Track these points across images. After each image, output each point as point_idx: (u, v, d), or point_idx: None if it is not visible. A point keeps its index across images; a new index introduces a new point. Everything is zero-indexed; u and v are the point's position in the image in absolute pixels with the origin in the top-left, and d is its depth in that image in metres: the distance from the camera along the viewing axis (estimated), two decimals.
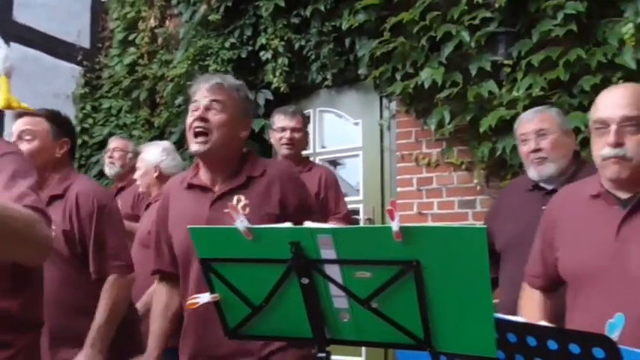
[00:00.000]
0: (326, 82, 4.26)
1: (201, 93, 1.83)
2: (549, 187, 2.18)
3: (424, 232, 1.13)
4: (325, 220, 2.89)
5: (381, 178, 4.22)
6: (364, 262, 1.17)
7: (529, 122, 2.23)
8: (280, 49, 4.29)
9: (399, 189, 4.05)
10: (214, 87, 1.82)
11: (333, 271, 1.20)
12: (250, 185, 1.83)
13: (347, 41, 4.12)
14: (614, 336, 1.04)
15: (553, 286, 1.72)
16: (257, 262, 1.25)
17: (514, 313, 1.91)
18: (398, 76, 3.85)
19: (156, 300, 1.98)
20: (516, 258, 2.18)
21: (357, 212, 4.26)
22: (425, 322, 1.17)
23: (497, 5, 3.52)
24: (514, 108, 3.37)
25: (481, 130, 3.48)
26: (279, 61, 4.32)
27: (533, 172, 2.20)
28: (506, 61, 3.51)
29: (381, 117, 4.24)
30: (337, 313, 1.24)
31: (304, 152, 4.03)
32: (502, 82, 3.54)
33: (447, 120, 3.65)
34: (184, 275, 1.86)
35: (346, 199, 4.15)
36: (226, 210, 1.25)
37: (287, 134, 3.00)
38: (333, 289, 1.22)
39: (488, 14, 3.53)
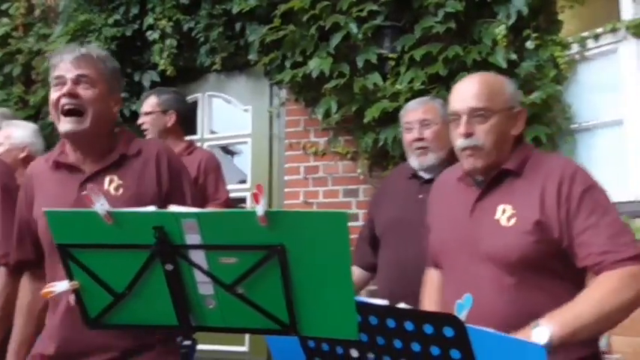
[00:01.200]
0: (215, 66, 4.17)
1: (66, 66, 1.67)
2: (427, 177, 2.26)
3: (288, 217, 1.14)
4: (203, 206, 2.84)
5: (269, 166, 4.21)
6: (229, 247, 1.16)
7: (414, 111, 2.30)
8: (168, 30, 4.15)
9: (286, 177, 4.06)
10: (81, 59, 1.67)
11: (198, 256, 1.18)
12: (124, 165, 1.71)
13: (237, 26, 4.06)
14: (462, 315, 1.10)
15: None
16: (118, 248, 1.20)
17: (392, 297, 1.99)
18: (287, 64, 3.86)
19: (20, 295, 1.83)
20: (393, 244, 2.27)
21: (243, 200, 4.24)
22: (290, 307, 1.18)
23: None
24: (397, 100, 3.49)
25: (365, 120, 3.57)
26: (167, 42, 4.17)
27: (414, 161, 2.27)
28: (391, 55, 3.62)
29: (271, 104, 4.23)
30: (202, 300, 1.22)
31: (193, 137, 3.96)
32: (386, 74, 3.64)
33: (334, 110, 3.71)
34: (52, 266, 1.68)
35: (235, 186, 4.16)
36: (84, 192, 1.18)
37: (141, 118, 2.92)
38: (198, 275, 1.20)
39: (375, 7, 3.62)
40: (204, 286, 1.21)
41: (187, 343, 1.24)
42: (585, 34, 3.43)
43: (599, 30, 3.37)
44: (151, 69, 4.28)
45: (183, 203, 1.30)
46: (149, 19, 4.21)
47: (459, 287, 1.56)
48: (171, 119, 2.90)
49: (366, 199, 3.83)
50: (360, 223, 3.81)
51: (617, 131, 3.33)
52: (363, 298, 1.23)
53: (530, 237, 1.51)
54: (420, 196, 2.21)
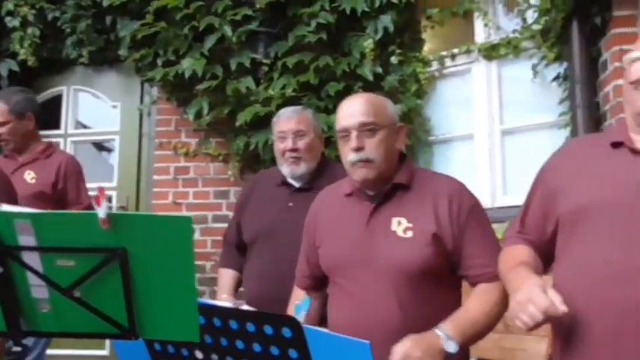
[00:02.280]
0: (82, 59, 3.99)
1: None
2: (297, 185, 2.29)
3: (131, 220, 1.13)
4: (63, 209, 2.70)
5: (137, 165, 4.10)
6: (67, 250, 1.13)
7: (288, 121, 2.30)
8: (30, 18, 3.90)
9: (155, 177, 3.97)
10: None
11: (33, 258, 1.13)
12: None
13: (108, 19, 3.91)
14: (300, 316, 1.16)
15: (318, 285, 1.82)
16: None
17: (260, 305, 2.02)
18: (159, 62, 3.78)
19: None
20: (263, 251, 2.26)
21: (109, 199, 4.09)
22: (130, 310, 1.17)
23: (258, 5, 3.66)
24: (269, 105, 3.55)
25: (237, 123, 3.60)
26: (29, 30, 3.92)
27: (286, 170, 2.28)
28: (264, 60, 3.67)
29: (142, 102, 4.12)
30: (36, 304, 1.17)
31: (55, 131, 3.74)
32: (260, 79, 3.69)
33: (206, 111, 3.70)
34: None
35: (102, 184, 3.97)
36: None
37: None
38: (32, 278, 1.15)
39: (250, 12, 3.65)
40: (39, 290, 1.16)
41: (17, 349, 1.18)
42: (444, 53, 3.70)
43: (456, 50, 3.66)
44: (9, 57, 3.99)
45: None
46: (8, 5, 3.92)
47: (357, 300, 1.62)
48: (30, 122, 2.75)
49: (236, 200, 3.84)
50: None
51: (469, 144, 3.62)
52: (207, 300, 1.25)
53: (429, 248, 1.59)
54: (291, 204, 2.24)
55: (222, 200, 3.89)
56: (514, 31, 3.42)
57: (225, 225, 3.79)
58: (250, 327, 1.22)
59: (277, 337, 1.20)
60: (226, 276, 2.43)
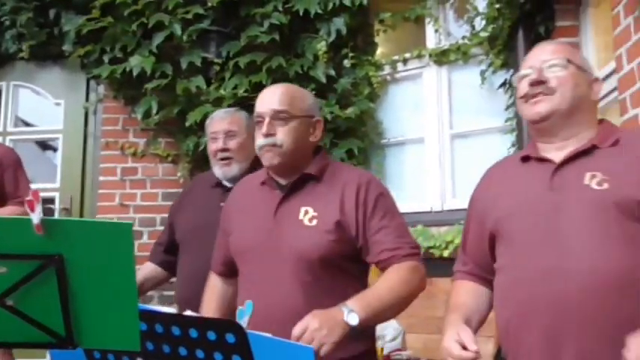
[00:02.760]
0: (22, 54, 3.83)
1: None
2: (230, 185, 2.24)
3: (67, 226, 1.09)
4: (1, 205, 2.62)
5: (82, 166, 3.97)
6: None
7: (220, 122, 2.31)
8: None
9: (101, 178, 3.86)
10: None
11: None
12: None
13: (51, 13, 3.78)
14: (243, 322, 1.14)
15: (233, 272, 1.82)
16: None
17: (190, 305, 1.98)
18: (106, 59, 3.68)
19: None
20: (193, 250, 2.25)
21: (52, 201, 3.94)
22: (67, 319, 1.12)
23: (210, 4, 3.60)
24: (220, 105, 3.48)
25: (187, 124, 3.53)
26: None
27: (218, 171, 2.27)
28: (216, 60, 3.63)
29: (87, 100, 4.00)
30: None
31: None
32: (211, 79, 3.64)
33: (155, 110, 3.62)
34: None
35: (44, 185, 3.85)
36: None
37: None
38: None
39: (201, 11, 3.60)
40: None
41: None
42: (396, 57, 3.74)
43: (408, 55, 3.70)
44: None
45: None
46: None
47: (261, 286, 1.63)
48: None
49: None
50: None
51: (420, 148, 3.67)
52: (150, 306, 1.21)
53: (330, 236, 1.62)
54: (222, 204, 2.21)
55: (171, 202, 3.78)
56: (464, 38, 3.49)
57: None
58: (193, 333, 1.19)
59: (221, 342, 1.17)
60: (142, 267, 2.41)
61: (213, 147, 2.28)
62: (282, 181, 1.73)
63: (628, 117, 2.28)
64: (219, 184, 2.30)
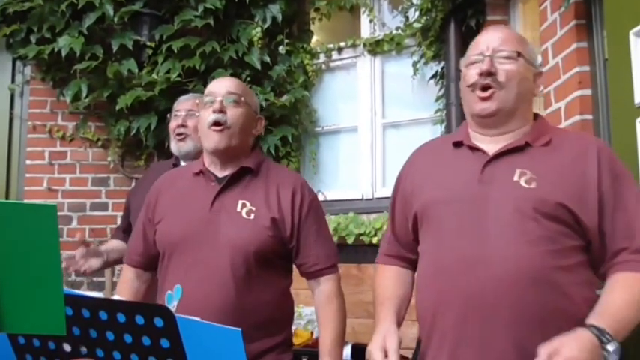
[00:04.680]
0: None
1: None
2: (183, 164, 2.31)
3: None
4: None
5: (8, 149, 3.80)
6: None
7: (185, 102, 2.36)
8: None
9: (28, 162, 3.73)
10: None
11: None
12: None
13: None
14: (172, 306, 1.16)
15: (149, 265, 1.82)
16: None
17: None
18: (33, 39, 3.55)
19: None
20: None
21: None
22: None
23: None
24: (152, 90, 3.45)
25: (118, 107, 3.46)
26: None
27: (174, 147, 2.32)
28: (148, 43, 3.56)
29: (13, 81, 3.83)
30: None
31: None
32: (143, 62, 3.57)
33: (85, 93, 3.52)
34: None
35: None
36: None
37: None
38: None
39: None
40: None
41: None
42: (331, 46, 3.78)
43: (343, 44, 3.75)
44: None
45: None
46: None
47: (192, 276, 1.64)
48: None
49: (116, 188, 3.72)
50: (110, 212, 3.69)
51: (353, 137, 3.73)
52: (75, 290, 1.21)
53: (267, 231, 1.66)
54: None
55: (102, 187, 3.74)
56: (397, 29, 3.57)
57: (105, 213, 3.68)
58: (121, 317, 1.20)
59: (149, 326, 1.18)
60: (107, 241, 2.49)
61: (173, 124, 2.33)
62: (220, 174, 1.74)
63: (551, 110, 2.41)
64: (175, 165, 2.32)
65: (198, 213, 1.69)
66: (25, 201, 3.63)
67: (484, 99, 1.43)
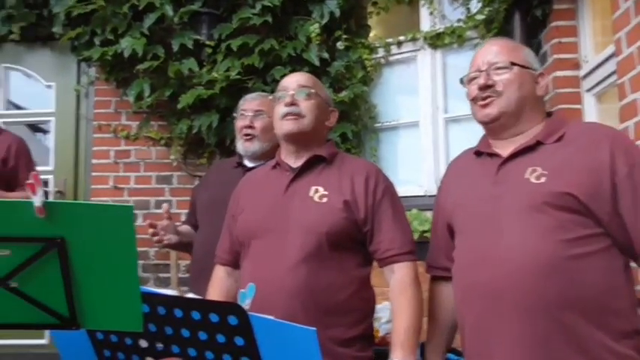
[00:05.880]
0: (13, 36, 3.79)
1: None
2: (250, 165, 2.32)
3: (70, 209, 1.09)
4: (13, 190, 2.76)
5: (75, 148, 3.95)
6: (1, 239, 1.08)
7: (251, 101, 2.37)
8: None
9: (94, 161, 3.85)
10: None
11: None
12: None
13: None
14: (246, 304, 1.15)
15: (238, 262, 1.83)
16: None
17: (202, 276, 1.99)
18: (97, 41, 3.65)
19: None
20: (206, 223, 2.30)
21: (46, 184, 3.92)
22: (70, 300, 1.13)
23: None
24: (212, 88, 3.48)
25: (179, 106, 3.51)
26: None
27: (241, 147, 2.32)
28: (208, 42, 3.60)
29: (79, 82, 3.96)
30: None
31: None
32: (203, 61, 3.61)
33: (147, 93, 3.60)
34: None
35: (38, 168, 3.82)
36: None
37: None
38: None
39: None
40: None
41: None
42: (390, 40, 3.72)
43: (402, 38, 3.69)
44: None
45: None
46: None
47: (265, 260, 1.67)
48: None
49: (179, 186, 3.78)
50: (174, 210, 3.75)
51: (414, 132, 3.67)
52: (152, 289, 1.22)
53: (340, 213, 1.67)
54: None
55: (165, 185, 3.81)
56: (459, 21, 3.48)
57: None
58: (196, 315, 1.20)
59: (223, 325, 1.18)
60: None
61: (240, 124, 2.33)
62: (294, 164, 1.77)
63: (627, 101, 2.29)
64: (240, 164, 2.34)
65: (272, 200, 1.74)
66: (93, 199, 3.74)
67: (484, 106, 1.55)
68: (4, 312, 1.15)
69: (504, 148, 1.55)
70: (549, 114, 1.60)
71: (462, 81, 1.65)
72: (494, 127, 1.56)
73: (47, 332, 3.74)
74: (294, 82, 1.79)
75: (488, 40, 1.91)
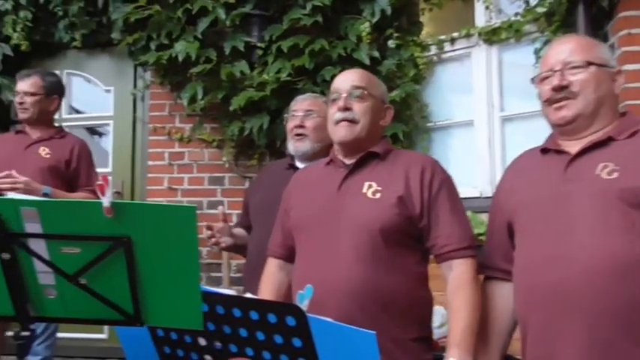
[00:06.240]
0: (74, 43, 3.93)
1: None
2: (302, 166, 2.30)
3: (136, 209, 1.13)
4: (74, 191, 2.86)
5: (132, 150, 4.07)
6: (72, 238, 1.13)
7: (302, 102, 2.38)
8: (22, 1, 3.84)
9: (150, 162, 3.95)
10: None
11: (39, 245, 1.13)
12: None
13: (100, 2, 3.84)
14: (304, 305, 1.16)
15: (291, 256, 1.83)
16: None
17: (255, 277, 2.02)
18: (153, 46, 3.74)
19: None
20: (260, 225, 2.30)
21: None
22: (135, 298, 1.17)
23: None
24: (263, 90, 3.51)
25: (231, 108, 3.56)
26: (21, 14, 3.86)
27: (291, 147, 2.33)
28: (259, 44, 3.63)
29: (135, 86, 4.08)
30: (42, 290, 1.18)
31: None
32: (254, 63, 3.65)
33: (200, 96, 3.66)
34: None
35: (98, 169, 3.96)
36: None
37: (19, 97, 2.87)
38: (39, 265, 1.15)
39: None
40: (45, 276, 1.16)
41: (25, 334, 1.19)
42: (443, 37, 3.66)
43: (455, 34, 3.62)
44: (2, 42, 3.93)
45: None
46: None
47: (319, 258, 1.66)
48: (53, 104, 2.93)
49: (231, 187, 3.83)
50: (225, 211, 3.80)
51: (468, 131, 3.60)
52: (210, 288, 1.24)
53: (393, 209, 1.63)
54: None
55: (217, 186, 3.87)
56: (516, 15, 3.37)
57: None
58: (254, 315, 1.21)
59: (281, 325, 1.19)
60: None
61: (291, 124, 2.34)
62: (348, 161, 1.75)
63: None
64: (291, 165, 2.35)
65: (325, 196, 1.72)
66: (149, 200, 3.84)
67: (559, 109, 1.49)
68: (74, 308, 1.19)
69: (573, 146, 1.50)
70: (623, 114, 1.53)
71: (532, 80, 1.59)
72: (568, 129, 1.51)
73: (106, 327, 3.87)
74: (347, 82, 1.74)
75: (561, 37, 1.84)
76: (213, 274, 3.73)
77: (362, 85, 1.73)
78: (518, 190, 1.56)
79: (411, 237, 1.66)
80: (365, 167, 1.73)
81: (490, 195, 3.38)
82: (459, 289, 1.61)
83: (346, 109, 1.70)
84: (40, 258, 1.15)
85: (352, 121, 1.70)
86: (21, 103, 2.85)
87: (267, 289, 1.82)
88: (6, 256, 1.14)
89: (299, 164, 2.33)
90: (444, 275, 1.67)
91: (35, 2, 3.88)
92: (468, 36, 3.58)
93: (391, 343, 1.54)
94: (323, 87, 3.47)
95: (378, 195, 1.66)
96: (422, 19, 3.71)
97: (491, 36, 3.48)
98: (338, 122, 1.71)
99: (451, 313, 1.62)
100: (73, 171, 2.87)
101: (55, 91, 2.91)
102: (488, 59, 3.53)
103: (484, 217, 3.18)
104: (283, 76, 3.48)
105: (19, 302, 1.19)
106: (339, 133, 1.72)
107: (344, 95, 1.71)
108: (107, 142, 4.20)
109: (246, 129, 3.61)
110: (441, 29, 3.72)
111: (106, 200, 1.08)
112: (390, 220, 1.62)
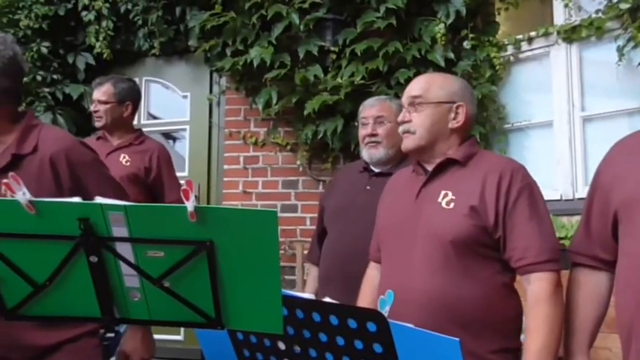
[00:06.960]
0: (153, 51, 4.08)
1: None
2: (377, 170, 2.32)
3: (219, 213, 1.13)
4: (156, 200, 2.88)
5: (208, 155, 4.17)
6: (157, 241, 1.15)
7: (371, 108, 2.36)
8: (104, 12, 4.02)
9: (225, 166, 4.03)
10: None
11: (125, 249, 1.16)
12: (21, 166, 1.55)
13: (177, 10, 3.98)
14: (385, 311, 1.14)
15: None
16: (41, 239, 1.16)
17: (329, 281, 2.01)
18: (228, 52, 3.83)
19: None
20: (336, 229, 2.32)
21: None
22: (216, 301, 1.18)
23: None
24: (337, 94, 3.52)
25: (305, 112, 3.58)
26: (103, 24, 4.05)
27: (365, 154, 2.32)
28: (332, 48, 3.64)
29: (211, 92, 4.18)
30: (128, 292, 1.20)
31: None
32: (328, 67, 3.66)
33: (275, 100, 3.71)
34: None
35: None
36: (4, 181, 1.14)
37: (93, 106, 2.92)
38: (124, 268, 1.18)
39: (317, 0, 3.61)
40: (130, 279, 1.19)
41: (110, 335, 1.23)
42: (520, 36, 3.55)
43: (533, 33, 3.50)
44: (85, 51, 4.14)
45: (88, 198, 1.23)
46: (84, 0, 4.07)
47: (396, 267, 1.66)
48: (127, 110, 2.92)
49: (305, 190, 3.86)
50: (299, 214, 3.84)
51: (548, 132, 3.47)
52: (291, 292, 1.24)
53: (466, 219, 1.58)
54: (368, 187, 2.28)
55: (291, 190, 3.91)
56: (597, 11, 3.23)
57: (294, 214, 3.83)
58: (334, 320, 1.20)
59: (361, 331, 1.17)
60: (312, 273, 2.52)
61: (362, 132, 2.33)
62: (428, 166, 1.73)
63: None
64: (365, 168, 2.34)
65: (404, 204, 1.72)
66: (225, 203, 3.92)
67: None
68: (157, 310, 1.22)
69: None
70: None
71: None
72: None
73: (183, 329, 3.97)
74: (406, 96, 1.75)
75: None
76: (288, 277, 3.76)
77: (418, 93, 1.71)
78: (629, 177, 1.41)
79: (487, 247, 1.60)
80: (444, 174, 1.69)
81: (571, 197, 3.25)
82: (536, 305, 1.53)
83: (403, 122, 1.72)
84: (126, 261, 1.17)
85: (408, 132, 1.71)
86: (95, 112, 2.89)
87: (366, 291, 1.85)
88: (94, 259, 1.17)
89: (374, 168, 2.32)
90: (524, 288, 1.60)
91: (116, 12, 4.06)
92: (546, 35, 3.45)
93: (468, 355, 1.48)
94: (397, 89, 3.44)
95: (451, 205, 1.61)
96: (498, 18, 3.62)
97: (571, 34, 3.34)
98: (401, 135, 1.75)
99: (527, 331, 1.55)
100: (155, 177, 2.86)
101: (127, 97, 2.90)
102: (568, 58, 3.40)
103: (565, 221, 3.06)
104: (357, 79, 3.47)
105: (105, 304, 1.22)
106: (403, 145, 1.75)
107: (405, 108, 1.74)
108: (183, 147, 4.32)
109: (319, 132, 3.62)
110: (517, 29, 3.61)
111: (190, 205, 1.10)
112: (462, 232, 1.57)
